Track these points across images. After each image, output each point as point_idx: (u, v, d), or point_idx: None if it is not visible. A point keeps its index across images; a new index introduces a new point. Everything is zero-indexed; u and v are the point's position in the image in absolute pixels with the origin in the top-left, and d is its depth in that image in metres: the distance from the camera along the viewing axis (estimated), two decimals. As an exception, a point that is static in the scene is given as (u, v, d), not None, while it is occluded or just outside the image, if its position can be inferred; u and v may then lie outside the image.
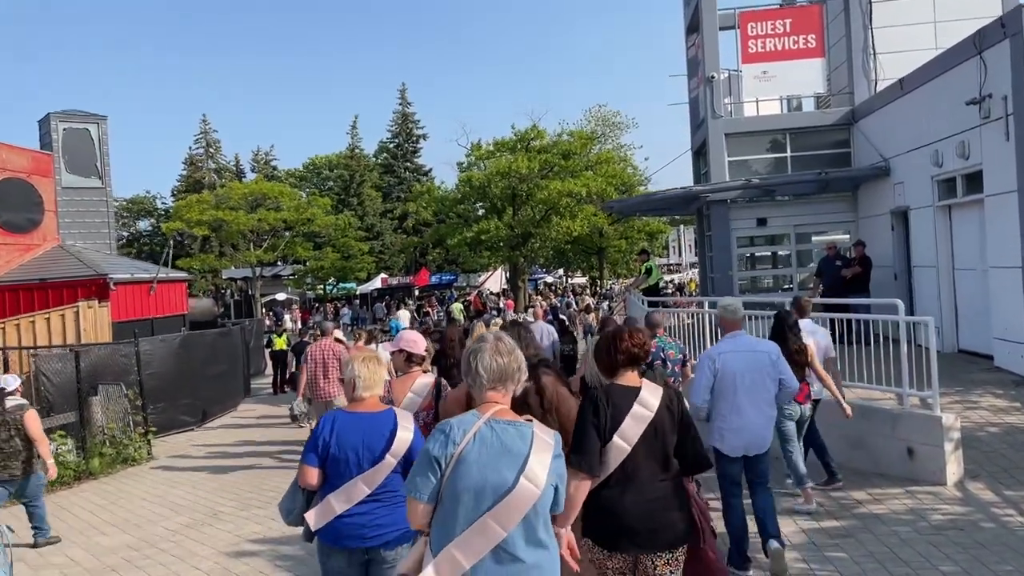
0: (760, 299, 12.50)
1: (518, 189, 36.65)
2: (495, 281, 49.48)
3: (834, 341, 7.57)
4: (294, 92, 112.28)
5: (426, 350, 5.05)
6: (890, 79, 14.41)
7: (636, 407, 3.48)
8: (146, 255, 61.89)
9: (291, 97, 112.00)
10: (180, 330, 18.34)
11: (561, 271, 58.25)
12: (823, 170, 14.79)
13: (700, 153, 18.72)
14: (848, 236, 15.79)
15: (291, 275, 50.15)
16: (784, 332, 6.52)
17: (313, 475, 3.69)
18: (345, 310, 42.38)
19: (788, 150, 16.47)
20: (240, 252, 43.46)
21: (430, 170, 62.86)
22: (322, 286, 49.64)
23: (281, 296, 52.28)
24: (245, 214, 40.34)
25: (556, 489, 2.75)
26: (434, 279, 55.23)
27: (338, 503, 3.63)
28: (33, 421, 7.42)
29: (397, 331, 10.64)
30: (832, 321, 8.55)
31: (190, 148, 64.20)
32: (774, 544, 5.33)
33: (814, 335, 7.14)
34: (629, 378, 3.63)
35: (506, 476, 2.62)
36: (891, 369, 7.69)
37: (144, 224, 64.46)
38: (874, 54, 15.71)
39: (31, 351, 13.24)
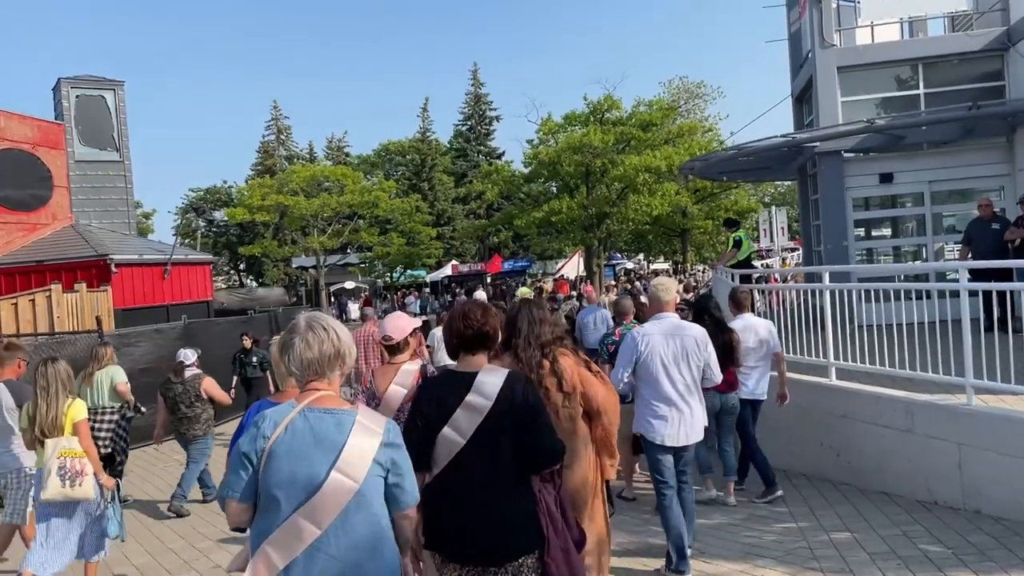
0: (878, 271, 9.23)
1: (591, 165, 33.60)
2: (573, 268, 46.51)
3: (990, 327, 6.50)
4: (368, 77, 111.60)
5: (412, 334, 4.35)
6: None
7: (470, 395, 3.07)
8: (222, 246, 61.81)
9: (366, 82, 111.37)
10: (206, 318, 16.20)
11: (641, 256, 54.66)
12: (974, 102, 11.26)
13: (802, 99, 15.32)
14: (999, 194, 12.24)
15: (359, 263, 48.35)
16: (705, 317, 6.37)
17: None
18: (411, 299, 40.18)
19: (920, 85, 12.93)
20: (304, 239, 41.89)
21: (503, 153, 60.21)
22: (389, 274, 47.57)
23: (349, 285, 50.63)
24: (306, 199, 38.67)
25: (390, 483, 2.50)
26: (507, 266, 52.66)
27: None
28: (212, 386, 8.19)
29: None
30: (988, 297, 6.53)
31: (263, 136, 63.58)
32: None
33: (754, 330, 6.89)
34: (471, 362, 3.23)
35: (317, 470, 2.39)
36: None
37: (220, 214, 64.27)
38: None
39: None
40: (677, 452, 5.11)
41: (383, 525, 2.50)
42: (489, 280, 48.51)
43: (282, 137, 62.95)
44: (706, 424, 5.22)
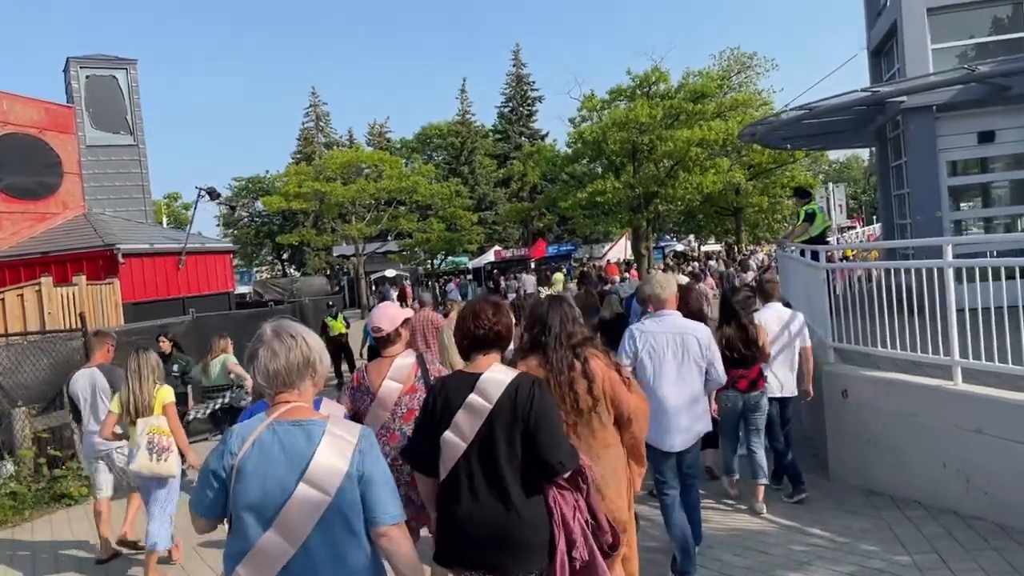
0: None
1: (638, 142, 31.74)
2: (619, 251, 44.68)
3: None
4: (409, 60, 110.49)
5: (403, 325, 4.19)
6: None
7: (472, 397, 2.96)
8: (264, 236, 61.45)
9: (406, 66, 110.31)
10: (226, 311, 15.06)
11: (691, 237, 52.48)
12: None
13: (881, 52, 13.43)
14: None
15: (401, 251, 47.17)
16: (731, 311, 6.07)
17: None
18: (451, 286, 38.85)
19: (1027, 27, 11.03)
20: (341, 226, 40.83)
21: (546, 134, 58.47)
22: (430, 261, 46.35)
23: (390, 273, 49.61)
24: (342, 185, 37.55)
25: (363, 496, 2.30)
26: (551, 250, 51.18)
27: None
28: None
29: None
30: None
31: (302, 123, 62.96)
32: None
33: (781, 321, 6.47)
34: (481, 362, 3.12)
35: (287, 484, 2.25)
36: None
37: (259, 204, 63.90)
38: None
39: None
40: (680, 454, 4.85)
41: (363, 535, 2.34)
42: (533, 265, 47.04)
43: (321, 124, 62.25)
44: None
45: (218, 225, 64.77)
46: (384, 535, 2.32)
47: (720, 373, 4.84)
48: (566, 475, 2.97)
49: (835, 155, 51.11)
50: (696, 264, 26.24)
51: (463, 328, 3.18)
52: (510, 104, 60.24)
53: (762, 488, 6.16)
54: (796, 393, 6.53)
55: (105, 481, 6.40)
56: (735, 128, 30.79)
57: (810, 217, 10.35)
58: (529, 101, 60.44)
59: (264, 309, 14.73)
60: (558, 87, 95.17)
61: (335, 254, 52.48)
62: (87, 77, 16.67)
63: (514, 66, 60.51)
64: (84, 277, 12.07)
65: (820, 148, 16.06)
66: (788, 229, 11.72)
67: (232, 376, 9.06)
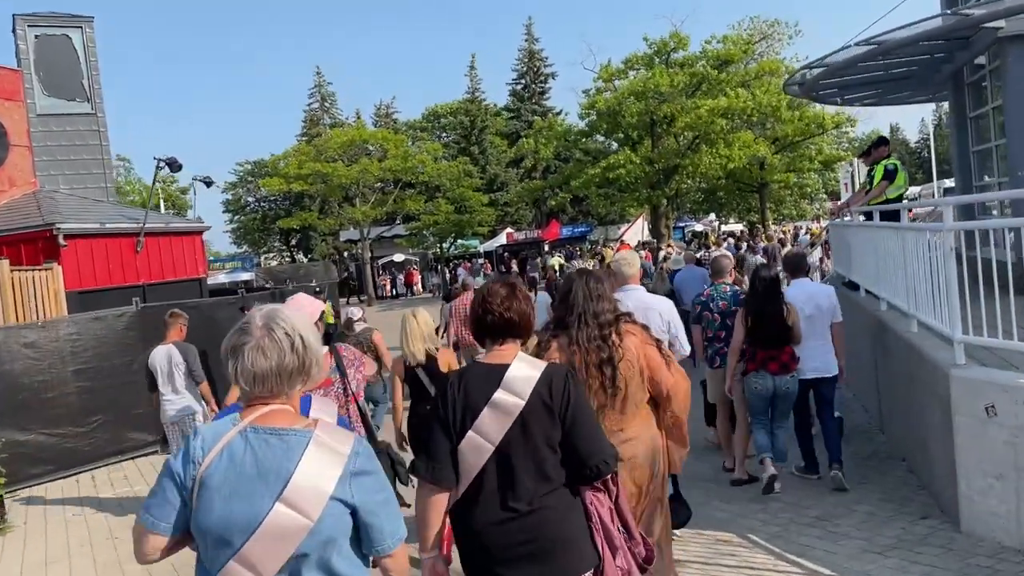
0: None
1: (657, 113, 29.49)
2: (636, 232, 42.50)
3: None
4: (417, 38, 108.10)
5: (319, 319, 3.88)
6: None
7: (499, 393, 2.63)
8: (271, 220, 59.64)
9: (415, 46, 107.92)
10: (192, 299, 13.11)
11: (712, 216, 50.16)
12: None
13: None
14: None
15: (410, 233, 45.14)
16: (761, 293, 5.82)
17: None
18: (461, 270, 36.85)
19: None
20: (344, 209, 38.88)
21: (560, 112, 56.12)
22: (439, 245, 44.35)
23: (399, 258, 47.74)
24: (344, 165, 35.57)
25: (361, 520, 1.96)
26: (565, 232, 49.06)
27: None
28: (380, 340, 8.36)
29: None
30: None
31: (307, 104, 61.01)
32: None
33: (814, 298, 6.17)
34: (500, 353, 2.79)
35: (260, 506, 1.87)
36: None
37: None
38: None
39: None
40: None
41: (360, 568, 2.01)
42: (547, 247, 44.94)
43: (326, 104, 60.30)
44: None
45: (224, 212, 63.32)
46: (392, 557, 2.03)
47: (684, 345, 4.94)
48: (608, 475, 2.70)
49: (857, 133, 48.07)
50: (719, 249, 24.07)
51: (473, 313, 2.89)
52: (522, 81, 58.03)
53: (769, 460, 5.85)
54: (833, 374, 6.12)
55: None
56: (762, 99, 28.59)
57: (890, 175, 8.27)
58: (542, 78, 58.21)
59: (234, 297, 12.76)
60: (571, 58, 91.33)
61: (342, 239, 50.70)
62: (36, 37, 14.70)
63: (526, 41, 58.26)
64: (7, 262, 10.16)
65: (876, 102, 13.84)
66: (857, 193, 9.60)
67: None
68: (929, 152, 39.38)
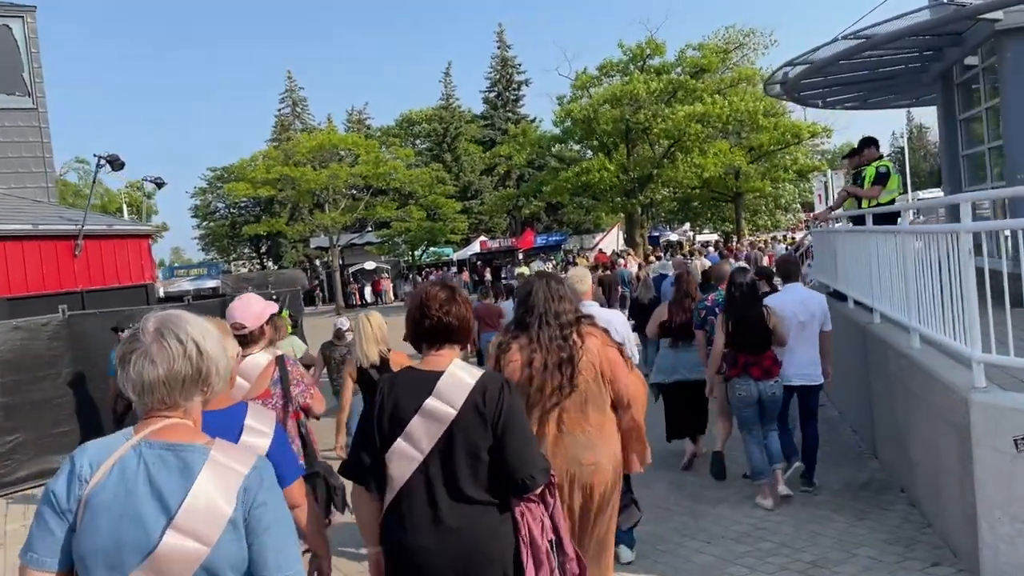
0: None
1: (632, 121, 28.99)
2: (611, 242, 42.01)
3: None
4: (390, 47, 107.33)
5: (268, 322, 3.89)
6: None
7: (430, 400, 2.55)
8: (241, 226, 58.36)
9: (389, 53, 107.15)
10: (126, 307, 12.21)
11: (687, 226, 49.81)
12: None
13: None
14: None
15: (382, 240, 44.20)
16: (739, 298, 5.78)
17: None
18: (433, 278, 36.04)
19: None
20: (314, 215, 37.92)
21: (534, 120, 55.59)
22: (411, 253, 43.52)
23: (370, 265, 46.78)
24: (313, 170, 34.66)
25: (251, 546, 1.76)
26: (540, 240, 48.34)
27: None
28: None
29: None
30: None
31: (278, 109, 59.95)
32: None
33: (807, 304, 6.08)
34: (436, 359, 2.69)
35: (152, 529, 1.71)
36: None
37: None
38: None
39: None
40: None
41: None
42: (521, 256, 44.27)
43: (298, 109, 59.24)
44: None
45: (193, 217, 62.04)
46: None
47: (634, 355, 4.95)
48: (537, 491, 2.60)
49: (830, 144, 47.91)
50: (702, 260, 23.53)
51: (410, 317, 2.77)
52: (495, 89, 57.38)
53: (779, 472, 5.74)
54: (819, 382, 6.08)
55: None
56: (739, 105, 28.22)
57: (882, 178, 7.65)
58: (515, 85, 57.57)
59: (181, 304, 11.88)
60: (546, 65, 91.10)
61: (313, 246, 49.68)
62: (-29, 26, 13.79)
63: (499, 48, 57.67)
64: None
65: (859, 105, 13.32)
66: (839, 196, 8.98)
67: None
68: (904, 164, 39.24)
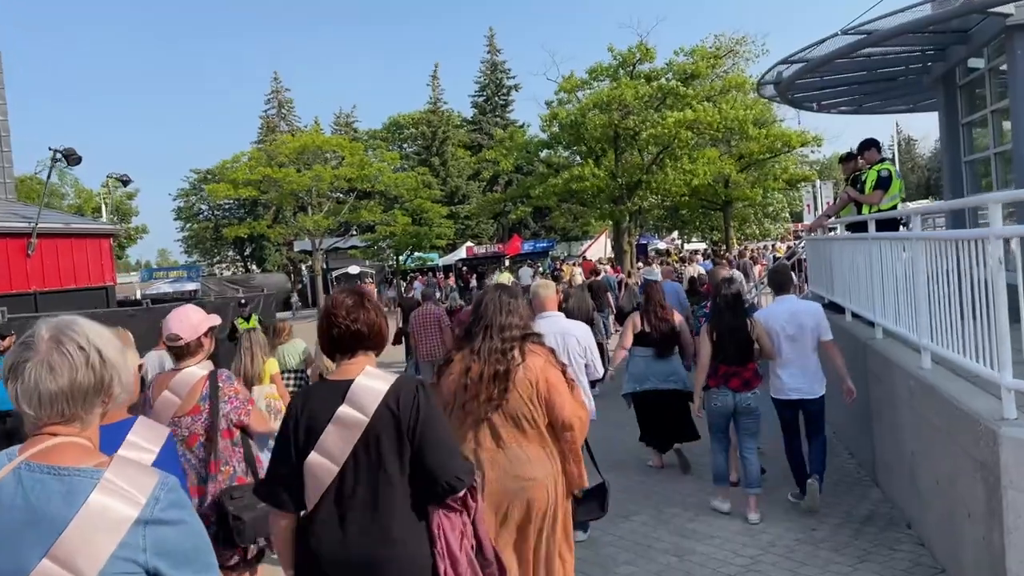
0: None
1: (620, 126, 28.50)
2: (599, 249, 41.50)
3: None
4: (377, 51, 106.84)
5: (206, 334, 3.78)
6: None
7: (343, 408, 2.48)
8: (224, 228, 57.52)
9: (374, 56, 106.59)
10: (101, 307, 11.54)
11: (675, 234, 49.42)
12: None
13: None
14: None
15: (367, 245, 43.49)
16: (723, 308, 5.73)
17: None
18: (418, 284, 35.32)
19: None
20: (298, 218, 37.18)
21: (523, 125, 55.17)
22: (395, 258, 42.87)
23: (354, 270, 46.05)
24: (296, 171, 33.93)
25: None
26: (527, 247, 47.86)
27: None
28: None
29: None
30: None
31: (264, 111, 59.26)
32: None
33: (797, 317, 5.78)
34: (348, 368, 2.62)
35: (25, 560, 1.53)
36: None
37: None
38: None
39: None
40: None
41: None
42: (507, 262, 43.69)
43: (284, 111, 58.54)
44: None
45: (176, 219, 61.20)
46: None
47: (598, 367, 4.96)
48: (460, 494, 2.51)
49: (819, 155, 47.78)
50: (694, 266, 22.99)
51: (319, 328, 2.70)
52: (484, 93, 57.02)
53: (754, 499, 5.62)
54: (818, 396, 5.78)
55: None
56: (728, 112, 27.77)
57: (884, 182, 7.09)
58: (505, 90, 57.30)
59: (133, 310, 11.22)
60: (536, 70, 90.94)
61: (297, 249, 48.94)
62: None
63: (488, 52, 57.28)
64: None
65: (854, 110, 12.81)
66: (837, 200, 8.39)
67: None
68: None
